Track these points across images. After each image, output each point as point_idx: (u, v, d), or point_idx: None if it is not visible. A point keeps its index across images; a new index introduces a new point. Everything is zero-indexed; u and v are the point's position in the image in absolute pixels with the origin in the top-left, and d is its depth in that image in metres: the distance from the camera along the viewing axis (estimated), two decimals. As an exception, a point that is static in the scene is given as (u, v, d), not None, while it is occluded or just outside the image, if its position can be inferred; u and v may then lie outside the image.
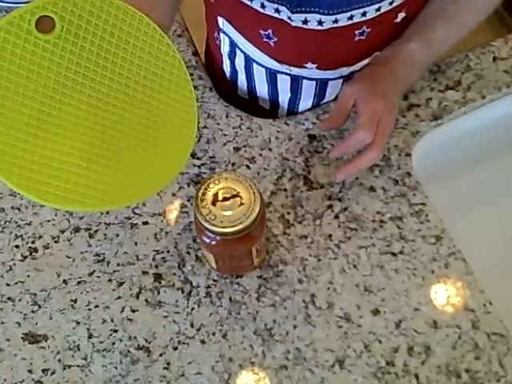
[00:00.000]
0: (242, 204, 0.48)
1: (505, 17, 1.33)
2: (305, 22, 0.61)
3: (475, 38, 0.69)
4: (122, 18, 0.46)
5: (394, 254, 0.60)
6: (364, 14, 0.59)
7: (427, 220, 0.62)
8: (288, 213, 0.63)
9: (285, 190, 0.64)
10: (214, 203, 0.48)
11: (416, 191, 0.63)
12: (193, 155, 0.67)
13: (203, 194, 0.49)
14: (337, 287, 0.59)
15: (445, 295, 0.58)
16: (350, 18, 0.59)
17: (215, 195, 0.48)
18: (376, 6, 0.59)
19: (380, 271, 0.59)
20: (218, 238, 0.50)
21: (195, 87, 0.72)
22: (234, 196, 0.48)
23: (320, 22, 0.60)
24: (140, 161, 0.46)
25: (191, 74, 0.73)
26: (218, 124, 0.69)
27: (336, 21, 0.60)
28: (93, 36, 0.45)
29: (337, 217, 0.62)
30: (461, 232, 0.62)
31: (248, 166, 0.66)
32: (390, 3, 0.59)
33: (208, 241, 0.51)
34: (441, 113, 0.68)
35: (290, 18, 0.60)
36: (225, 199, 0.48)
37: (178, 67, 0.50)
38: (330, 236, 0.62)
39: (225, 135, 0.68)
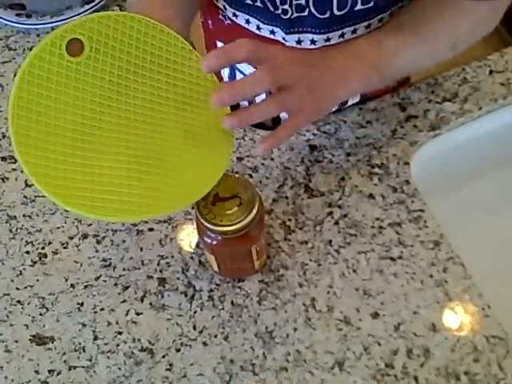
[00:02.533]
0: (241, 204, 0.50)
1: (501, 31, 1.36)
2: (298, 42, 0.63)
3: (472, 51, 0.72)
4: (145, 31, 0.49)
5: (392, 259, 0.61)
6: (354, 31, 0.62)
7: (425, 226, 0.63)
8: (289, 219, 0.65)
9: (286, 197, 0.66)
10: (214, 203, 0.50)
11: (414, 198, 0.65)
12: (197, 165, 0.69)
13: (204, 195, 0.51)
14: (337, 291, 0.60)
15: (443, 299, 0.59)
16: (342, 35, 0.62)
17: (215, 196, 0.51)
18: (366, 24, 0.61)
19: (379, 275, 0.60)
20: (219, 237, 0.52)
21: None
22: (233, 196, 0.50)
23: (313, 41, 0.63)
24: (185, 167, 0.48)
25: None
26: (223, 135, 0.71)
27: (328, 39, 0.62)
28: (120, 52, 0.48)
29: (337, 223, 0.64)
30: (459, 242, 0.63)
31: (251, 175, 0.68)
32: (380, 20, 0.62)
33: (209, 241, 0.53)
34: (438, 123, 0.70)
35: (284, 38, 0.63)
36: (224, 199, 0.50)
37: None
38: (330, 241, 0.63)
39: (228, 146, 0.70)
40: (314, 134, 0.70)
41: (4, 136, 0.75)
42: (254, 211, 0.50)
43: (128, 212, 0.44)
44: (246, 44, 0.47)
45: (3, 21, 0.85)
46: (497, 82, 0.72)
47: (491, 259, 0.69)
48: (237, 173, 0.68)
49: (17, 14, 0.86)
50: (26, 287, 0.63)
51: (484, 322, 0.57)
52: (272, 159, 0.69)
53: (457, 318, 0.58)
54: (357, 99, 0.72)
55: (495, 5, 0.58)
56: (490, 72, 0.73)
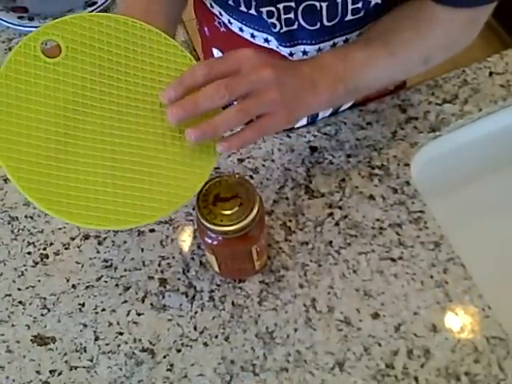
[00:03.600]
0: (241, 204, 0.50)
1: (500, 32, 1.36)
2: (291, 54, 0.64)
3: (471, 53, 0.72)
4: (124, 29, 0.48)
5: (393, 260, 0.61)
6: (346, 41, 0.62)
7: (426, 227, 0.63)
8: (290, 220, 0.65)
9: (287, 198, 0.66)
10: (214, 203, 0.50)
11: (415, 199, 0.65)
12: (198, 166, 0.69)
13: (204, 195, 0.51)
14: (337, 292, 0.60)
15: (444, 299, 0.59)
16: (333, 45, 0.62)
17: (216, 196, 0.51)
18: (357, 33, 0.61)
19: (379, 276, 0.61)
20: (220, 237, 0.52)
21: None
22: (233, 196, 0.51)
23: (304, 52, 0.63)
24: (169, 170, 0.47)
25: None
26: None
27: (320, 49, 0.63)
28: (100, 51, 0.47)
29: (337, 224, 0.64)
30: (459, 243, 0.63)
31: (251, 177, 0.68)
32: None
33: (210, 241, 0.53)
34: (438, 125, 0.70)
35: (278, 47, 0.64)
36: (225, 199, 0.50)
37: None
38: (331, 242, 0.63)
39: (229, 147, 0.71)
40: (315, 136, 0.71)
41: (6, 138, 0.75)
42: (255, 211, 0.50)
43: (113, 221, 0.44)
44: (198, 69, 0.46)
45: (5, 23, 0.86)
46: (497, 84, 0.73)
47: (492, 260, 0.69)
48: (237, 173, 0.68)
49: (19, 17, 0.86)
50: (27, 288, 0.63)
51: (484, 322, 0.57)
52: (273, 160, 0.69)
53: (457, 319, 0.58)
54: (329, 112, 0.72)
55: (475, 16, 0.56)
56: (490, 74, 0.74)
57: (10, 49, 0.85)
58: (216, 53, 0.73)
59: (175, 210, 0.47)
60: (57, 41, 0.46)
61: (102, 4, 0.87)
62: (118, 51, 0.48)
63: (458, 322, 0.57)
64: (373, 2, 0.58)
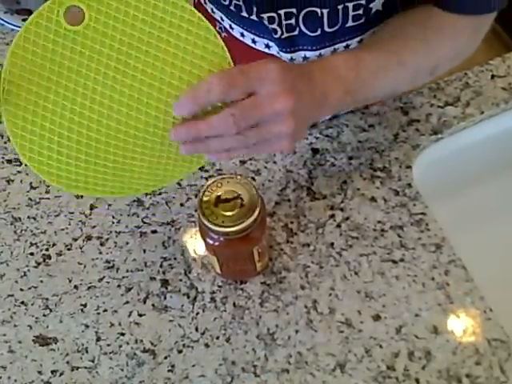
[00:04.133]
0: (242, 205, 0.50)
1: (502, 36, 1.36)
2: (291, 59, 0.64)
3: (474, 56, 0.72)
4: (154, 2, 0.44)
5: (394, 262, 0.61)
6: (347, 47, 0.62)
7: (427, 229, 0.63)
8: (291, 222, 0.65)
9: (288, 200, 0.66)
10: (216, 205, 0.51)
11: (416, 201, 0.65)
12: (200, 168, 0.70)
13: (206, 197, 0.51)
14: (338, 293, 0.60)
15: (445, 301, 0.59)
16: (334, 51, 0.62)
17: (217, 197, 0.51)
18: (358, 39, 0.61)
19: (381, 278, 0.61)
20: (221, 238, 0.52)
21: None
22: (235, 198, 0.51)
23: (305, 58, 0.63)
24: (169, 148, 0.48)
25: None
26: (226, 139, 0.72)
27: (320, 55, 0.63)
28: (123, 25, 0.43)
29: (339, 226, 0.64)
30: (461, 245, 0.63)
31: (253, 178, 0.68)
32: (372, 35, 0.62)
33: (211, 242, 0.53)
34: (440, 127, 0.70)
35: (278, 52, 0.64)
36: (226, 200, 0.51)
37: (221, 55, 0.46)
38: (332, 244, 0.63)
39: (231, 149, 0.71)
40: (317, 138, 0.71)
41: (9, 139, 0.75)
42: (256, 212, 0.50)
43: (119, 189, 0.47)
44: (215, 85, 0.42)
45: (10, 25, 0.86)
46: (499, 87, 0.73)
47: (493, 262, 0.69)
48: (239, 175, 0.68)
49: (23, 20, 0.87)
50: (29, 288, 0.63)
51: (486, 324, 0.57)
52: (275, 162, 0.69)
53: (458, 321, 0.58)
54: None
55: (478, 25, 0.56)
56: (492, 77, 0.74)
57: (14, 51, 0.86)
58: None
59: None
60: (82, 8, 0.43)
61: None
62: (142, 26, 0.44)
63: (460, 324, 0.57)
64: (374, 9, 0.58)
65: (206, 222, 0.50)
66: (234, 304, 0.61)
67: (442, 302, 0.59)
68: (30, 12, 0.89)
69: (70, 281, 0.64)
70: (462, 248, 0.62)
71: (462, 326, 0.57)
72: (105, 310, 0.61)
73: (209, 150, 0.46)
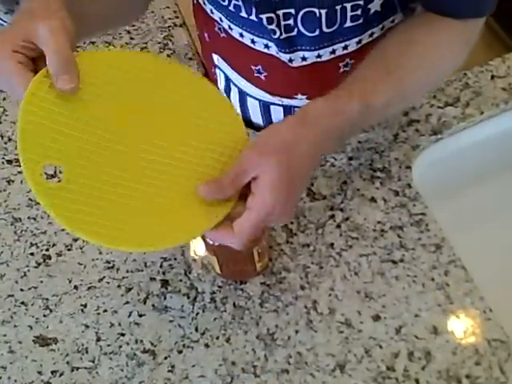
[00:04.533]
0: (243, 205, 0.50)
1: (502, 36, 1.36)
2: (290, 60, 0.64)
3: (474, 57, 0.72)
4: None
5: (394, 262, 0.62)
6: (346, 48, 0.62)
7: (427, 229, 0.63)
8: (291, 222, 0.65)
9: (288, 200, 0.66)
10: (216, 204, 0.51)
11: (416, 202, 0.65)
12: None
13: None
14: (338, 294, 0.60)
15: (445, 302, 0.59)
16: (333, 52, 0.62)
17: (218, 197, 0.51)
18: (357, 39, 0.61)
19: (381, 278, 0.61)
20: (221, 239, 0.52)
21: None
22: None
23: (304, 58, 0.63)
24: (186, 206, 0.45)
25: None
26: (226, 139, 0.72)
27: (319, 56, 0.63)
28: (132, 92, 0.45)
29: (338, 226, 0.64)
30: (460, 245, 0.63)
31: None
32: (370, 35, 0.62)
33: (211, 242, 0.53)
34: (440, 128, 0.70)
35: (277, 53, 0.64)
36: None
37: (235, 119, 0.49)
38: (332, 244, 0.63)
39: (231, 149, 0.71)
40: (317, 138, 0.71)
41: (10, 139, 0.76)
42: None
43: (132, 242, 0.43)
44: (228, 188, 0.45)
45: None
46: (498, 87, 0.73)
47: (493, 263, 0.69)
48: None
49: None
50: (30, 288, 0.64)
51: (485, 325, 0.57)
52: (274, 163, 0.69)
53: (458, 321, 0.58)
54: None
55: (469, 35, 0.56)
56: (492, 77, 0.74)
57: (14, 51, 0.86)
58: (216, 58, 0.73)
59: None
60: None
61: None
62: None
63: (459, 324, 0.57)
64: (372, 10, 0.58)
65: (205, 223, 0.50)
66: (234, 304, 0.61)
67: (441, 302, 0.59)
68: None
69: (70, 281, 0.64)
70: (462, 248, 0.62)
71: (461, 326, 0.57)
72: (105, 311, 0.61)
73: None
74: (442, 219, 0.64)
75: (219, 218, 0.45)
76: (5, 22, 0.87)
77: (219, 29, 0.68)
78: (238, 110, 0.76)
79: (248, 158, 0.45)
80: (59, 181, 0.41)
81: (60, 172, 0.41)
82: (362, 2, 0.57)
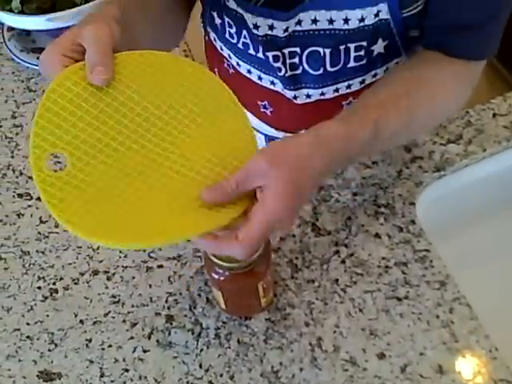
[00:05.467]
0: (247, 242, 0.51)
1: (504, 74, 1.38)
2: (295, 97, 0.66)
3: (476, 94, 0.74)
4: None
5: (399, 299, 0.62)
6: (349, 87, 0.64)
7: (431, 266, 0.63)
8: (296, 258, 0.65)
9: (293, 235, 0.67)
10: (221, 241, 0.51)
11: (420, 238, 0.65)
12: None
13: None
14: (343, 331, 0.60)
15: (450, 340, 0.58)
16: (336, 90, 0.64)
17: (223, 233, 0.52)
18: (360, 79, 0.63)
19: (385, 315, 0.61)
20: (226, 273, 0.53)
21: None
22: (240, 234, 0.51)
23: (308, 95, 0.65)
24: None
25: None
26: (232, 175, 0.73)
27: (323, 93, 0.65)
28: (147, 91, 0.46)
29: (343, 262, 0.65)
30: (465, 283, 0.63)
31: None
32: (374, 76, 0.63)
33: (216, 277, 0.54)
34: (443, 165, 0.71)
35: (283, 90, 0.66)
36: (232, 237, 0.51)
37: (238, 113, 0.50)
38: (337, 280, 0.63)
39: (237, 185, 0.72)
40: (321, 175, 0.72)
41: (21, 173, 0.77)
42: (261, 247, 0.51)
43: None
44: (230, 190, 0.45)
45: (25, 63, 0.89)
46: (500, 125, 0.74)
47: (498, 301, 0.68)
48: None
49: (38, 58, 0.90)
50: (36, 322, 0.64)
51: (492, 364, 0.57)
52: (280, 198, 0.70)
53: (464, 360, 0.57)
54: None
55: (472, 75, 0.58)
56: (494, 115, 0.75)
57: (28, 88, 0.88)
58: None
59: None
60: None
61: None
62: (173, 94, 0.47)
63: (465, 363, 0.57)
64: (376, 51, 0.59)
65: (211, 257, 0.51)
66: (239, 341, 0.61)
67: (446, 340, 0.58)
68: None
69: (76, 315, 0.64)
70: (466, 286, 0.62)
71: (467, 365, 0.57)
72: (109, 346, 0.62)
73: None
74: (446, 255, 0.64)
75: (221, 222, 0.44)
76: (21, 59, 0.90)
77: (228, 65, 0.70)
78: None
79: (256, 165, 0.45)
80: (60, 170, 0.41)
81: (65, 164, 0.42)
82: (365, 43, 0.58)
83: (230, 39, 0.64)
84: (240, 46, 0.64)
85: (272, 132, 0.72)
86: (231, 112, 0.50)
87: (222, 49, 0.69)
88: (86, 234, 0.40)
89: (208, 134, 0.48)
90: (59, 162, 0.45)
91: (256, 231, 0.44)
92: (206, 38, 0.73)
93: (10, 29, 0.94)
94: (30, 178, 0.77)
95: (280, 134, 0.72)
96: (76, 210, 0.41)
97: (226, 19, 0.61)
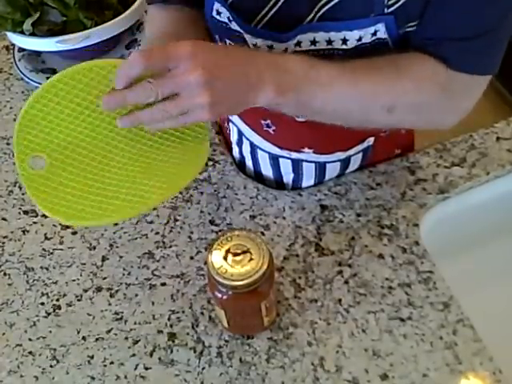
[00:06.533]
0: (251, 259, 0.51)
1: (508, 98, 1.39)
2: (296, 115, 0.67)
3: (479, 118, 0.75)
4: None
5: (402, 320, 0.61)
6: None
7: (435, 287, 0.63)
8: (299, 277, 0.65)
9: (297, 255, 0.67)
10: (225, 258, 0.52)
11: (424, 259, 0.65)
12: (211, 222, 0.71)
13: (216, 250, 0.52)
14: (346, 351, 0.60)
15: (454, 362, 0.58)
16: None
17: (227, 251, 0.52)
18: None
19: (388, 336, 0.60)
20: (229, 292, 0.53)
21: (217, 161, 0.78)
22: (244, 252, 0.52)
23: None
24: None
25: (214, 150, 0.80)
26: (237, 194, 0.74)
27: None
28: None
29: (346, 282, 0.65)
30: (468, 304, 0.63)
31: (263, 233, 0.70)
32: None
33: (220, 295, 0.54)
34: (447, 187, 0.71)
35: None
36: (236, 255, 0.52)
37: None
38: (340, 300, 0.63)
39: (242, 204, 0.73)
40: (325, 195, 0.72)
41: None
42: (265, 267, 0.51)
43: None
44: (136, 61, 0.47)
45: (35, 83, 0.91)
46: (504, 149, 0.75)
47: (502, 323, 0.68)
48: (249, 230, 0.69)
49: (47, 78, 0.92)
50: (38, 338, 0.64)
51: (496, 387, 0.56)
52: (284, 218, 0.71)
53: (467, 383, 0.57)
54: (336, 172, 0.74)
55: (447, 86, 0.55)
56: (497, 139, 0.76)
57: (36, 107, 0.90)
58: (231, 127, 0.76)
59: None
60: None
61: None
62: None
63: (469, 385, 0.57)
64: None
65: (214, 276, 0.51)
66: (241, 359, 0.60)
67: (450, 362, 0.58)
68: (54, 71, 0.94)
69: (79, 332, 0.64)
70: (470, 307, 0.62)
71: (471, 387, 0.56)
72: (111, 363, 0.61)
73: (141, 122, 0.51)
74: (449, 276, 0.64)
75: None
76: (30, 79, 0.91)
77: None
78: (250, 163, 0.78)
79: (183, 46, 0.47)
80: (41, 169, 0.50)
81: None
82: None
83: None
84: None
85: (276, 151, 0.73)
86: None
87: None
88: (66, 219, 0.50)
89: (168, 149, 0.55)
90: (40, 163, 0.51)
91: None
92: None
93: (21, 49, 0.96)
94: (37, 194, 0.77)
95: (284, 153, 0.72)
96: (56, 201, 0.49)
97: (228, 42, 0.63)
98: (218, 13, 0.60)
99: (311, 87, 0.52)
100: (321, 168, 0.73)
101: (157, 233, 0.71)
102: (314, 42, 0.57)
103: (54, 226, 0.74)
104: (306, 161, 0.72)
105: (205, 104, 0.48)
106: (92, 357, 0.62)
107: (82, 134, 0.51)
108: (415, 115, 0.58)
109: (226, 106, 0.51)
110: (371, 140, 0.71)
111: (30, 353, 0.63)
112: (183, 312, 0.64)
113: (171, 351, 0.62)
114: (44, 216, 0.75)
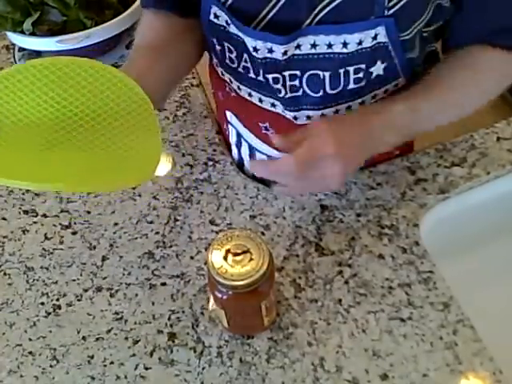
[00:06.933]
0: (251, 259, 0.51)
1: (508, 98, 1.39)
2: (295, 118, 0.67)
3: (479, 119, 0.74)
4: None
5: (402, 320, 0.61)
6: (349, 108, 0.65)
7: (435, 287, 0.63)
8: (299, 277, 0.65)
9: (297, 255, 0.67)
10: (225, 258, 0.52)
11: (424, 259, 0.65)
12: (211, 222, 0.71)
13: (216, 250, 0.52)
14: (346, 351, 0.60)
15: (454, 362, 0.58)
16: (336, 112, 0.65)
17: (227, 251, 0.52)
18: (360, 100, 0.64)
19: (388, 336, 0.60)
20: (230, 292, 0.53)
21: (217, 161, 0.78)
22: (244, 252, 0.52)
23: (308, 117, 0.66)
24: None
25: (214, 150, 0.80)
26: (237, 194, 0.74)
27: (323, 115, 0.65)
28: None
29: (346, 282, 0.65)
30: (469, 304, 0.63)
31: (263, 233, 0.70)
32: (373, 97, 0.64)
33: (220, 295, 0.54)
34: (447, 187, 0.71)
35: (283, 111, 0.67)
36: (236, 254, 0.52)
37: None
38: (340, 301, 0.63)
39: (242, 204, 0.73)
40: (326, 195, 0.72)
41: (27, 190, 0.78)
42: (265, 267, 0.51)
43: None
44: (290, 166, 0.55)
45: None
46: (504, 149, 0.75)
47: (502, 323, 0.68)
48: (249, 230, 0.69)
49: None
50: (38, 338, 0.64)
51: (496, 387, 0.56)
52: (284, 218, 0.71)
53: (467, 383, 0.57)
54: None
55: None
56: (498, 139, 0.76)
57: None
58: (229, 115, 0.76)
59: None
60: None
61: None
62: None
63: (469, 386, 0.57)
64: (374, 73, 0.61)
65: (214, 276, 0.51)
66: (241, 359, 0.60)
67: (450, 362, 0.58)
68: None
69: (79, 332, 0.64)
70: (470, 307, 0.62)
71: (471, 388, 0.56)
72: (111, 363, 0.61)
73: (274, 176, 0.60)
74: (449, 277, 0.64)
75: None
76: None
77: (230, 89, 0.72)
78: (249, 165, 0.78)
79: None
80: None
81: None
82: (364, 66, 0.60)
83: (231, 64, 0.66)
84: (240, 69, 0.65)
85: (274, 153, 0.73)
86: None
87: (222, 74, 0.71)
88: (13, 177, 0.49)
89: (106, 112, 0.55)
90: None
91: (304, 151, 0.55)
92: (210, 62, 0.75)
93: (21, 49, 0.96)
94: (37, 195, 0.77)
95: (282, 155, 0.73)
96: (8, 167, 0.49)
97: (226, 44, 0.63)
98: (216, 16, 0.60)
99: (419, 126, 0.61)
100: None
101: (157, 233, 0.71)
102: (314, 46, 0.57)
103: (54, 225, 0.74)
104: None
105: (334, 174, 0.56)
106: (92, 357, 0.62)
107: (37, 119, 0.53)
108: (504, 85, 0.65)
109: (352, 169, 0.60)
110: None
111: (30, 353, 0.63)
112: (183, 312, 0.64)
113: (171, 351, 0.62)
114: (44, 216, 0.75)
